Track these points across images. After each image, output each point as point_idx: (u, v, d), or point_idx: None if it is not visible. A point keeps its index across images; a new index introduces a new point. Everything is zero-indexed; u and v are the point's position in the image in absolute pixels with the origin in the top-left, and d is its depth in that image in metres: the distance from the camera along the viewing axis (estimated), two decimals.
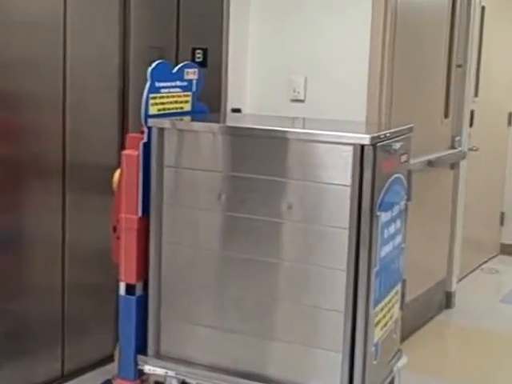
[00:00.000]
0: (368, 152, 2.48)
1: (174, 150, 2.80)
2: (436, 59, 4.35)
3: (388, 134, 2.60)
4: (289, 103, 3.97)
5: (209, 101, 3.28)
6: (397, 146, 2.60)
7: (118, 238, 2.93)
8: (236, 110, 4.00)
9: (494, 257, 5.60)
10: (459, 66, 4.53)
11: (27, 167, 3.16)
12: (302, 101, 3.95)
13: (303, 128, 3.09)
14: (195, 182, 2.78)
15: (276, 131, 2.68)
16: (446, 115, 4.50)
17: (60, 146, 3.25)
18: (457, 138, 4.58)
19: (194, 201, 2.79)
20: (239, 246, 2.73)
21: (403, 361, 2.98)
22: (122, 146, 3.07)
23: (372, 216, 2.53)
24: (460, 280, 4.73)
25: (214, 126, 2.81)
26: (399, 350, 2.99)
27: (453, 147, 4.58)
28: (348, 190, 2.52)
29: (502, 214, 5.73)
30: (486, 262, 5.43)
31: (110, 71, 3.43)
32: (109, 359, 3.33)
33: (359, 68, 3.80)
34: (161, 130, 2.79)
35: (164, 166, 2.80)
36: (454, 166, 4.58)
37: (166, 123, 2.81)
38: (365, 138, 2.50)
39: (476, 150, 4.85)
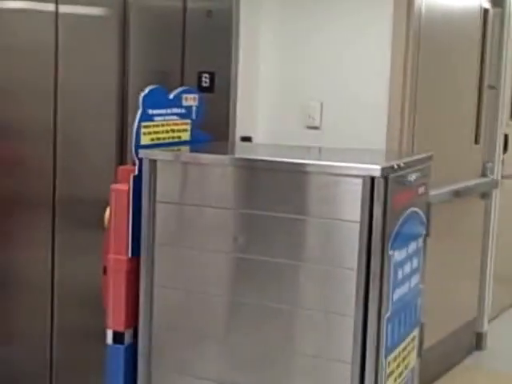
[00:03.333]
0: (378, 185, 2.20)
1: (169, 185, 2.54)
2: (466, 80, 4.04)
3: (402, 164, 2.32)
4: (304, 130, 3.69)
5: (216, 129, 3.03)
6: (412, 177, 2.32)
7: (106, 279, 2.68)
8: (246, 139, 3.74)
9: None
10: (492, 87, 4.22)
11: (14, 201, 2.95)
12: (317, 128, 3.68)
13: (316, 159, 2.81)
14: (197, 220, 2.51)
15: (282, 163, 2.42)
16: (477, 140, 4.18)
17: (50, 180, 3.02)
18: (488, 165, 4.25)
19: (195, 240, 2.51)
20: (242, 290, 2.46)
21: None
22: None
23: (383, 255, 2.24)
24: (492, 319, 4.37)
25: (221, 158, 2.55)
26: None
27: (484, 175, 4.25)
28: (357, 226, 2.24)
29: None
30: None
31: (106, 98, 3.20)
32: None
33: (379, 92, 3.50)
34: (153, 162, 2.54)
35: (157, 201, 2.54)
36: (484, 195, 4.25)
37: (158, 154, 2.55)
38: (375, 170, 2.21)
39: (511, 177, 4.51)
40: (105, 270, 2.69)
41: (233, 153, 3.07)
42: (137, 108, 2.96)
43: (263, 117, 3.78)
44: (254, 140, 3.74)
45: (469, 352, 4.09)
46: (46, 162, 3.02)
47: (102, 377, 3.11)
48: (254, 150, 3.34)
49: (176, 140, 2.78)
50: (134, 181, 2.55)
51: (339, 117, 3.61)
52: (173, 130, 2.76)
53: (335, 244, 2.30)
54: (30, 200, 2.99)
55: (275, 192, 2.40)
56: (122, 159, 3.23)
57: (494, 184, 4.26)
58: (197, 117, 2.88)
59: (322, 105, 3.65)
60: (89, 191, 3.19)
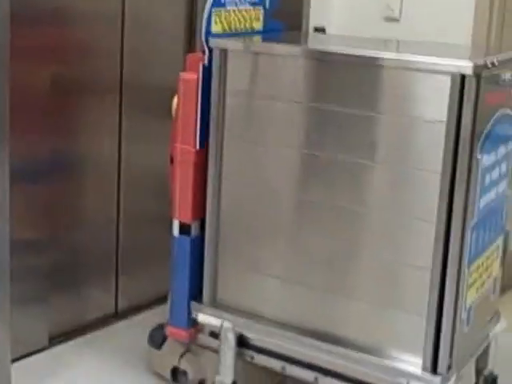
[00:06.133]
0: (470, 84, 2.02)
1: (240, 75, 2.41)
2: None
3: (496, 62, 2.12)
4: (381, 22, 3.50)
5: (290, 18, 2.87)
6: (507, 76, 2.14)
7: (173, 170, 2.64)
8: (319, 30, 3.56)
9: None
10: None
11: (81, 87, 2.86)
12: (396, 20, 3.47)
13: (395, 52, 2.64)
14: (267, 113, 2.39)
15: (358, 56, 2.24)
16: None
17: (118, 65, 2.93)
18: None
19: (264, 134, 2.41)
20: (314, 189, 2.36)
21: (502, 325, 2.58)
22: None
23: (471, 159, 2.09)
24: None
25: (293, 48, 2.39)
26: (497, 313, 2.59)
27: None
28: (443, 127, 2.08)
29: None
30: None
31: None
32: (165, 298, 3.12)
33: None
34: (224, 52, 2.41)
35: (227, 93, 2.43)
36: None
37: (229, 44, 2.42)
38: (466, 67, 2.03)
39: None
40: (172, 160, 2.65)
41: (306, 44, 2.91)
42: None
43: (339, 6, 3.60)
44: (328, 31, 3.58)
45: None
46: (113, 46, 2.91)
47: (167, 264, 3.17)
48: (327, 41, 3.17)
49: (248, 29, 2.65)
50: (203, 70, 2.46)
51: (421, 7, 3.40)
52: (245, 19, 2.63)
53: (419, 145, 2.15)
54: (98, 85, 2.91)
55: (350, 87, 2.27)
56: (190, 47, 3.12)
57: None
58: (270, 5, 2.73)
59: None
60: (157, 78, 3.10)
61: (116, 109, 2.99)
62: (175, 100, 2.59)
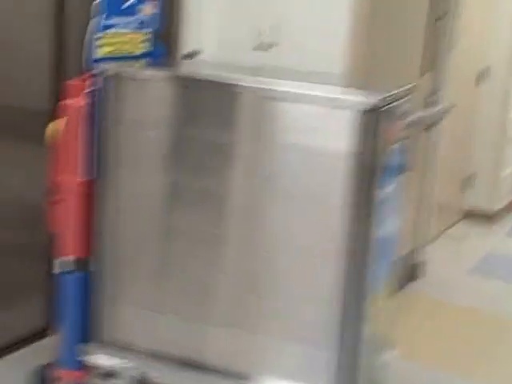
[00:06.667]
0: (371, 118, 2.05)
1: (119, 102, 2.31)
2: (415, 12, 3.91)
3: (390, 97, 2.17)
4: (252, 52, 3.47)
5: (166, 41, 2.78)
6: (401, 109, 2.19)
7: (55, 202, 2.47)
8: (190, 55, 3.46)
9: (458, 221, 5.31)
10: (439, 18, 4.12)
11: None
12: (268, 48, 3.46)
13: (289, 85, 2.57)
14: (139, 140, 2.32)
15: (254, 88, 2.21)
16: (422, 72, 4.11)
17: None
18: (433, 97, 4.19)
19: (137, 162, 2.33)
20: (189, 218, 2.30)
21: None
22: (57, 92, 2.58)
23: (373, 191, 2.12)
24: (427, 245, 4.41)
25: (161, 73, 2.33)
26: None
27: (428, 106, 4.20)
28: (344, 160, 2.08)
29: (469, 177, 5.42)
30: (451, 227, 5.14)
31: None
32: (39, 335, 2.91)
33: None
34: (108, 78, 2.30)
35: (110, 120, 2.32)
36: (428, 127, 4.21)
37: (111, 69, 2.31)
38: (367, 103, 2.06)
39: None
40: (50, 192, 2.47)
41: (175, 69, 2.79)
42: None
43: (212, 31, 3.54)
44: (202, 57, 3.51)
45: (408, 281, 4.11)
46: None
47: (38, 297, 2.94)
48: (206, 67, 3.09)
49: (133, 53, 2.53)
50: (89, 97, 2.32)
51: (292, 36, 3.41)
52: (129, 42, 2.51)
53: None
54: None
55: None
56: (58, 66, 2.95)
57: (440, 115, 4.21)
58: (156, 28, 2.62)
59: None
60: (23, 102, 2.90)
61: None
62: (51, 127, 2.43)
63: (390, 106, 2.15)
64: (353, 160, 2.07)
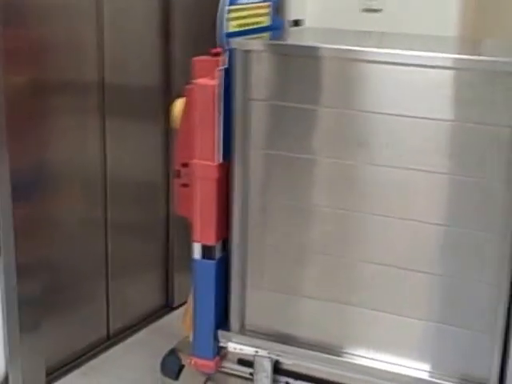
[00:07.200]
0: None
1: (267, 80, 2.17)
2: None
3: None
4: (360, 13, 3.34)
5: None
6: None
7: (185, 185, 2.38)
8: (295, 23, 3.35)
9: None
10: None
11: (59, 89, 2.56)
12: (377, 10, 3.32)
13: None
14: (298, 120, 2.17)
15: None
16: None
17: (96, 64, 2.64)
18: None
19: (295, 144, 2.17)
20: (352, 202, 2.16)
21: None
22: (165, 65, 2.47)
23: None
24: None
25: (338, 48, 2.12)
26: None
27: None
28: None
29: None
30: None
31: None
32: (160, 312, 2.88)
33: None
34: (247, 54, 2.18)
35: (252, 99, 2.19)
36: None
37: (254, 44, 2.17)
38: None
39: None
40: (178, 174, 2.39)
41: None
42: None
43: None
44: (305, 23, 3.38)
45: None
46: (92, 43, 2.64)
47: (157, 276, 2.90)
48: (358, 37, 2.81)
49: (257, 26, 2.42)
50: (222, 75, 2.21)
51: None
52: (256, 15, 2.40)
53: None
54: (77, 85, 2.62)
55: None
56: (166, 38, 2.86)
57: None
58: None
59: None
60: (136, 76, 2.83)
61: (101, 109, 2.70)
62: (177, 107, 2.34)
63: None
64: None
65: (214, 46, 2.24)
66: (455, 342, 2.12)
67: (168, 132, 2.90)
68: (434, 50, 2.14)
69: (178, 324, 2.61)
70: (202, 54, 2.22)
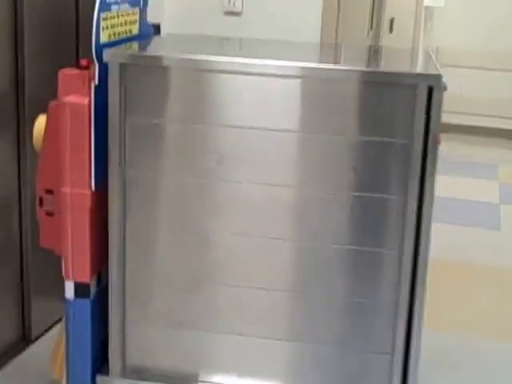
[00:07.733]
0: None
1: (146, 95, 1.96)
2: None
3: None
4: (221, 17, 3.17)
5: None
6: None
7: (49, 213, 2.11)
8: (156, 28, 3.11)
9: None
10: None
11: None
12: (238, 14, 3.17)
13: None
14: (177, 139, 1.98)
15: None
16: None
17: None
18: None
19: (174, 165, 2.00)
20: (237, 223, 2.01)
21: None
22: (15, 70, 2.23)
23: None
24: None
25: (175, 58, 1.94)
26: None
27: None
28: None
29: None
30: None
31: None
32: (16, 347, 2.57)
33: None
34: (123, 66, 1.94)
35: (128, 117, 1.97)
36: None
37: (131, 57, 1.94)
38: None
39: None
40: (40, 202, 2.11)
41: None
42: None
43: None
44: (162, 28, 3.16)
45: None
46: None
47: (6, 299, 2.54)
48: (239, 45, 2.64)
49: (127, 34, 2.18)
50: (94, 91, 1.95)
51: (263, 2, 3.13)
52: (126, 23, 2.16)
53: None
54: None
55: None
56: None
57: None
58: (144, 4, 2.28)
59: None
60: None
61: None
62: (39, 126, 2.06)
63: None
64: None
65: (77, 57, 1.98)
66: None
67: (20, 142, 2.57)
68: (283, 57, 2.03)
69: (40, 363, 2.32)
70: (57, 63, 1.94)
